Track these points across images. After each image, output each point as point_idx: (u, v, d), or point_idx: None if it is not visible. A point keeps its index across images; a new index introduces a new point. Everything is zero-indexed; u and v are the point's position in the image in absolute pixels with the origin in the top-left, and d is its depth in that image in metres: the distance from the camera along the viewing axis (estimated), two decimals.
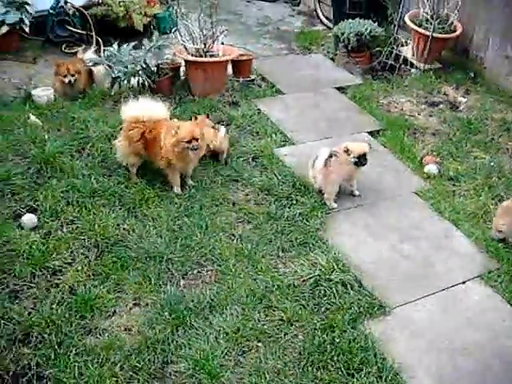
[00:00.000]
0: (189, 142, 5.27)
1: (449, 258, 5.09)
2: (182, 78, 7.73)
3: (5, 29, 8.21)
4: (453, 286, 4.81)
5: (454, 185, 6.13)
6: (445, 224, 5.50)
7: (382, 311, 4.49)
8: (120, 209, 5.34)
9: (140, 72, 6.99)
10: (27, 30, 8.43)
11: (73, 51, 8.63)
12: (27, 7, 8.37)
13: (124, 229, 5.12)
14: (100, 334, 4.18)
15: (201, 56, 7.34)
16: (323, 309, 4.48)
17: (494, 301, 4.71)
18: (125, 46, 7.23)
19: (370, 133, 6.98)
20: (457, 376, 4.07)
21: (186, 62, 7.45)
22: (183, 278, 4.71)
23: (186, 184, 5.73)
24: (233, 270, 4.76)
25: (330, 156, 5.50)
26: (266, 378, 3.90)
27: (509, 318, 4.57)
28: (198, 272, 4.78)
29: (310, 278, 4.68)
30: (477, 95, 7.94)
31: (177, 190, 5.63)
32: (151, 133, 5.48)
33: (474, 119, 7.30)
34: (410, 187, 6.01)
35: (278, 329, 4.28)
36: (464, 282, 4.86)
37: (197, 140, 5.30)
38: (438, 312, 4.55)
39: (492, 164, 6.42)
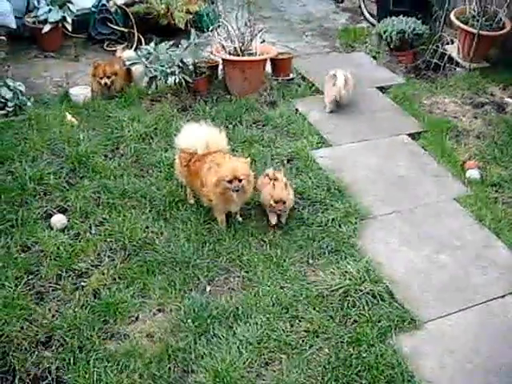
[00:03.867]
0: (230, 181, 4.67)
1: (487, 269, 4.86)
2: (220, 77, 7.62)
3: (47, 27, 8.27)
4: (490, 300, 4.58)
5: (496, 191, 5.87)
6: (485, 233, 5.26)
7: (414, 325, 4.30)
8: (150, 211, 5.27)
9: (177, 71, 6.90)
10: (69, 27, 8.48)
11: (114, 49, 8.65)
12: (69, 5, 8.41)
13: (152, 232, 5.05)
14: (121, 340, 4.13)
15: (238, 55, 7.22)
16: (351, 321, 4.32)
17: None
18: (162, 44, 7.16)
19: (410, 135, 6.73)
20: None
21: (224, 60, 7.36)
22: (209, 283, 4.62)
23: (232, 218, 5.27)
24: (260, 277, 4.65)
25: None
26: None
27: None
28: (226, 278, 4.68)
29: (340, 287, 4.52)
30: None
31: (221, 224, 5.13)
32: (195, 164, 4.97)
33: None
34: (450, 193, 5.78)
35: (303, 340, 4.15)
36: (503, 297, 4.62)
37: (240, 180, 4.67)
38: (472, 328, 4.34)
39: None
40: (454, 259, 4.94)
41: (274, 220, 5.10)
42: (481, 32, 7.76)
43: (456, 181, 5.97)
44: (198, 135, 5.02)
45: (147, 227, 5.09)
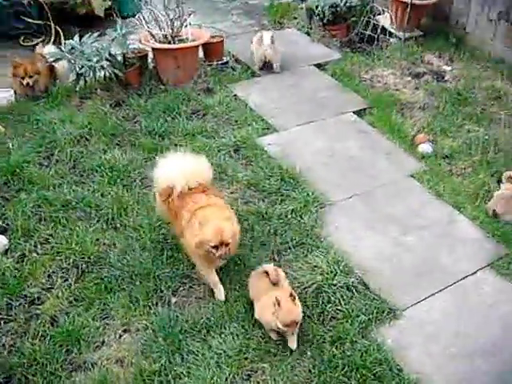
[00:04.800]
0: (215, 247, 3.92)
1: (455, 246, 4.79)
2: (151, 67, 7.23)
3: None
4: (463, 278, 4.51)
5: (450, 163, 5.83)
6: (446, 208, 5.18)
7: (393, 315, 4.18)
8: (98, 221, 4.91)
9: (105, 64, 6.48)
10: None
11: (32, 44, 8.07)
12: None
13: (104, 244, 4.70)
14: (90, 370, 3.80)
15: (169, 42, 6.87)
16: (329, 318, 4.15)
17: (506, 292, 4.43)
18: (87, 36, 6.69)
19: (356, 112, 6.59)
20: (481, 381, 3.78)
21: (154, 49, 6.97)
22: (174, 295, 4.33)
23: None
24: (226, 281, 4.38)
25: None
26: None
27: None
28: (190, 287, 4.39)
29: (312, 284, 4.33)
30: (461, 63, 7.60)
31: (219, 295, 4.28)
32: (174, 203, 4.23)
33: (461, 89, 6.97)
34: (405, 170, 5.67)
35: (283, 346, 3.93)
36: (474, 273, 4.56)
37: (227, 245, 3.91)
38: (451, 310, 4.25)
39: (487, 137, 6.12)
40: (421, 240, 4.84)
41: (275, 337, 3.98)
42: (413, 1, 7.66)
43: (409, 156, 5.87)
44: (175, 170, 4.27)
45: (98, 240, 4.73)
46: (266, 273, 4.01)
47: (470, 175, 5.59)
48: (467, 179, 5.54)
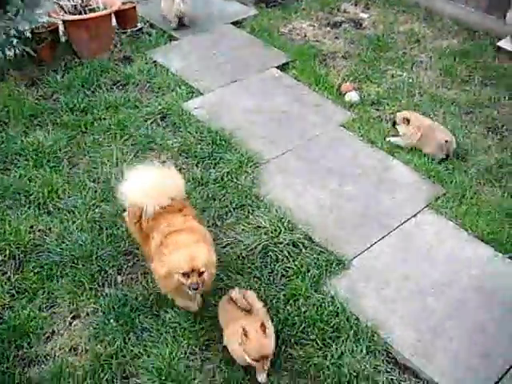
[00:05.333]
0: (186, 275, 3.37)
1: (393, 191, 4.83)
2: (64, 40, 6.87)
3: None
4: (405, 221, 4.56)
5: (377, 109, 5.85)
6: (380, 155, 5.21)
7: (342, 266, 4.18)
8: (29, 207, 4.66)
9: (15, 42, 6.11)
10: None
11: None
12: None
13: (39, 230, 4.48)
14: (43, 363, 3.64)
15: (80, 13, 6.53)
16: (279, 276, 4.12)
17: (448, 229, 4.51)
18: None
19: (279, 67, 6.49)
20: (434, 320, 3.85)
21: (65, 22, 6.61)
22: (119, 273, 4.19)
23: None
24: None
25: None
26: (239, 365, 3.53)
27: (467, 244, 4.38)
28: (134, 264, 4.26)
29: (258, 245, 4.28)
30: (377, 9, 7.61)
31: (193, 307, 3.87)
32: (146, 224, 3.71)
33: (381, 35, 6.98)
34: (335, 120, 5.65)
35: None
36: (415, 215, 4.61)
37: (201, 274, 3.38)
38: (397, 254, 4.31)
39: (410, 81, 6.16)
40: (360, 188, 4.85)
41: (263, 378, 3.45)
42: None
43: (337, 106, 5.85)
44: (145, 187, 3.70)
45: (32, 227, 4.49)
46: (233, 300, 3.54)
47: None
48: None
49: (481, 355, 3.68)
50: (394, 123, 5.35)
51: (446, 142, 5.03)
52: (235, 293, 3.56)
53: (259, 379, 3.40)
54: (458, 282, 4.10)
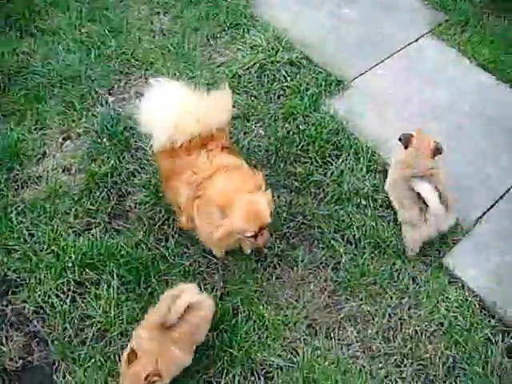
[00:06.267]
0: (254, 236, 2.77)
1: (395, 16, 4.61)
2: None
3: None
4: (406, 46, 4.39)
5: None
6: None
7: (341, 86, 4.06)
8: (10, 30, 4.35)
9: None
10: None
11: None
12: None
13: (24, 52, 4.19)
14: (37, 183, 3.52)
15: None
16: (277, 96, 3.98)
17: (450, 55, 4.37)
18: None
19: None
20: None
21: None
22: (110, 94, 3.99)
23: None
24: (164, 71, 4.06)
25: None
26: None
27: (469, 71, 4.25)
28: (126, 83, 4.06)
29: (254, 63, 4.10)
30: None
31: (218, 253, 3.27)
32: (176, 159, 2.92)
33: None
34: None
35: (235, 128, 3.77)
36: (416, 40, 4.43)
37: (265, 228, 2.78)
38: (397, 76, 4.18)
39: None
40: (360, 11, 4.62)
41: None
42: None
43: None
44: (175, 110, 2.84)
45: (14, 49, 4.20)
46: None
47: None
48: None
49: (480, 176, 3.66)
50: None
51: None
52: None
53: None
54: (458, 108, 4.03)
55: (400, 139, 3.40)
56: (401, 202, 3.29)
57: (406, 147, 3.37)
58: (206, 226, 2.81)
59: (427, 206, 3.12)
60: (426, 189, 3.11)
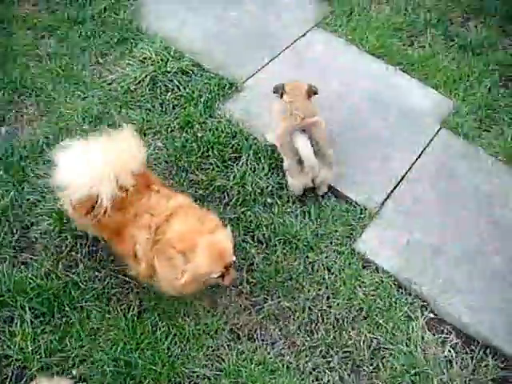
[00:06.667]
0: (221, 276, 2.71)
1: (280, 13, 4.66)
2: None
3: None
4: (294, 41, 4.44)
5: None
6: None
7: (235, 89, 4.06)
8: None
9: None
10: None
11: None
12: None
13: None
14: None
15: None
16: (171, 106, 3.94)
17: (339, 45, 4.46)
18: None
19: None
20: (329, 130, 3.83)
21: None
22: (2, 126, 3.87)
23: None
24: (55, 96, 3.98)
25: None
26: None
27: (358, 58, 4.35)
28: (17, 112, 3.94)
29: (146, 76, 4.04)
30: None
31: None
32: (113, 215, 2.72)
33: None
34: None
35: None
36: (304, 35, 4.50)
37: (231, 266, 2.73)
38: (289, 72, 4.18)
39: None
40: (245, 12, 4.65)
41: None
42: None
43: None
44: (94, 167, 2.66)
45: None
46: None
47: None
48: None
49: (379, 159, 3.74)
50: None
51: None
52: None
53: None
54: (353, 94, 4.11)
55: (274, 91, 3.54)
56: (284, 152, 3.43)
57: (281, 96, 3.50)
58: (169, 272, 2.68)
59: None
60: (302, 143, 3.26)
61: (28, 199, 3.47)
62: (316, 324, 3.13)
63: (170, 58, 4.13)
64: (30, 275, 3.14)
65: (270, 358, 3.00)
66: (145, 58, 4.16)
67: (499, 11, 4.84)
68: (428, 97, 4.18)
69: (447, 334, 3.16)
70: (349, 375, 2.98)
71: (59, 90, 4.03)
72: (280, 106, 3.50)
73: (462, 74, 4.34)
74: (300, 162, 3.29)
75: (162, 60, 4.12)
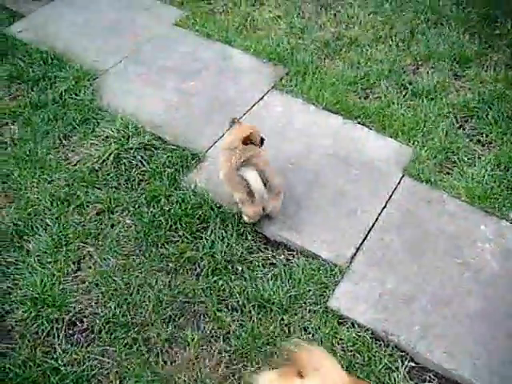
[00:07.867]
0: None
1: (237, 79, 4.78)
2: None
3: None
4: (253, 105, 4.54)
5: (210, 3, 5.68)
6: (217, 46, 5.11)
7: (197, 159, 4.13)
8: None
9: None
10: None
11: None
12: None
13: None
14: None
15: None
16: (137, 182, 4.00)
17: (296, 105, 4.56)
18: None
19: None
20: (296, 194, 3.91)
21: None
22: None
23: None
24: (22, 182, 4.02)
25: None
26: (111, 275, 3.47)
27: (316, 116, 4.46)
28: None
29: (109, 155, 4.11)
30: None
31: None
32: None
33: None
34: (167, 20, 5.45)
35: (101, 223, 3.75)
36: (262, 98, 4.60)
37: None
38: None
39: None
40: (203, 82, 4.77)
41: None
42: None
43: (168, 6, 5.64)
44: None
45: None
46: None
47: (232, 9, 5.51)
48: (230, 15, 5.47)
49: (346, 214, 3.80)
50: None
51: None
52: None
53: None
54: (315, 152, 4.19)
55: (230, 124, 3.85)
56: (233, 187, 3.59)
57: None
58: None
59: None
60: (250, 176, 3.45)
61: (1, 287, 3.47)
62: None
63: (131, 134, 4.21)
64: (7, 365, 3.11)
65: None
66: (107, 137, 4.23)
67: (448, 55, 4.99)
68: (388, 146, 4.26)
69: (430, 381, 3.16)
70: None
71: (26, 175, 4.06)
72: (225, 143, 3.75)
73: (419, 121, 4.44)
74: (250, 193, 3.48)
75: (123, 137, 4.19)
